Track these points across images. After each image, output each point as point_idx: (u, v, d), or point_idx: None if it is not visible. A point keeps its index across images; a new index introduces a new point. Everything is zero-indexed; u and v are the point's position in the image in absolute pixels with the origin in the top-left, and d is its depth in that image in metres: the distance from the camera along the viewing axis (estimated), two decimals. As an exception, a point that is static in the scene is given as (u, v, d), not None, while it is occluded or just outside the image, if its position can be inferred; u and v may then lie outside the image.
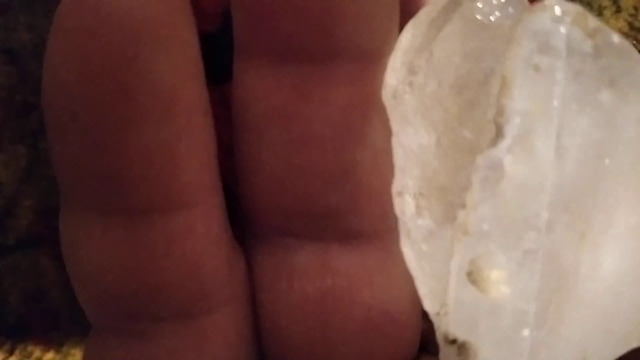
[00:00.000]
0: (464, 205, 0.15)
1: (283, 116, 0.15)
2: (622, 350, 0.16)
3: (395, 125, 0.16)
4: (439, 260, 0.16)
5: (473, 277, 0.15)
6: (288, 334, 0.16)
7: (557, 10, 0.15)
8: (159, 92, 0.14)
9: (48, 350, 0.23)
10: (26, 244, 0.23)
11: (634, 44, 0.24)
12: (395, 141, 0.16)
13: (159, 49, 0.14)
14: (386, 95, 0.16)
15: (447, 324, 0.15)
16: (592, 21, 0.15)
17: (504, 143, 0.15)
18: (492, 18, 0.15)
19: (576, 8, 0.15)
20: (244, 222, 0.17)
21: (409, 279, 0.17)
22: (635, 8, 0.23)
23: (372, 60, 0.15)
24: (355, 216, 0.16)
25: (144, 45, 0.14)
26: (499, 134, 0.15)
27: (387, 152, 0.16)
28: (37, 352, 0.23)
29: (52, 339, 0.23)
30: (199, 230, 0.16)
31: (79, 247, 0.16)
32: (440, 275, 0.15)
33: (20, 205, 0.23)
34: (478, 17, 0.15)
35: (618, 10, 0.23)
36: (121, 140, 0.15)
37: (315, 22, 0.15)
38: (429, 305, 0.16)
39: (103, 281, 0.16)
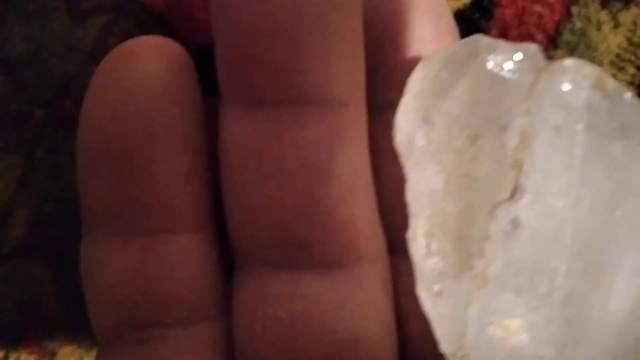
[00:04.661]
0: (482, 255, 0.16)
1: (257, 154, 0.17)
2: None
3: (407, 170, 0.17)
4: (455, 303, 0.16)
5: (493, 325, 0.16)
6: (261, 355, 0.18)
7: (578, 73, 0.15)
8: (175, 135, 0.18)
9: (42, 358, 0.23)
10: (21, 252, 0.23)
11: (632, 60, 0.24)
12: (408, 187, 0.17)
13: (175, 104, 0.18)
14: (399, 139, 0.17)
15: None
16: (610, 82, 0.15)
17: (524, 198, 0.15)
18: (507, 73, 0.16)
19: (595, 71, 0.15)
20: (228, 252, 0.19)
21: (381, 310, 0.18)
22: (634, 23, 0.23)
23: (336, 105, 0.17)
24: (325, 246, 0.17)
25: (164, 101, 0.18)
26: (518, 188, 0.15)
27: (356, 189, 0.18)
28: (31, 360, 0.23)
29: (46, 347, 0.23)
30: (202, 250, 0.18)
31: (99, 267, 0.18)
32: (457, 319, 0.16)
33: (15, 215, 0.23)
34: (494, 70, 0.16)
35: (617, 25, 0.23)
36: (145, 173, 0.18)
37: (281, 74, 0.17)
38: (446, 347, 0.16)
39: (120, 295, 0.18)
